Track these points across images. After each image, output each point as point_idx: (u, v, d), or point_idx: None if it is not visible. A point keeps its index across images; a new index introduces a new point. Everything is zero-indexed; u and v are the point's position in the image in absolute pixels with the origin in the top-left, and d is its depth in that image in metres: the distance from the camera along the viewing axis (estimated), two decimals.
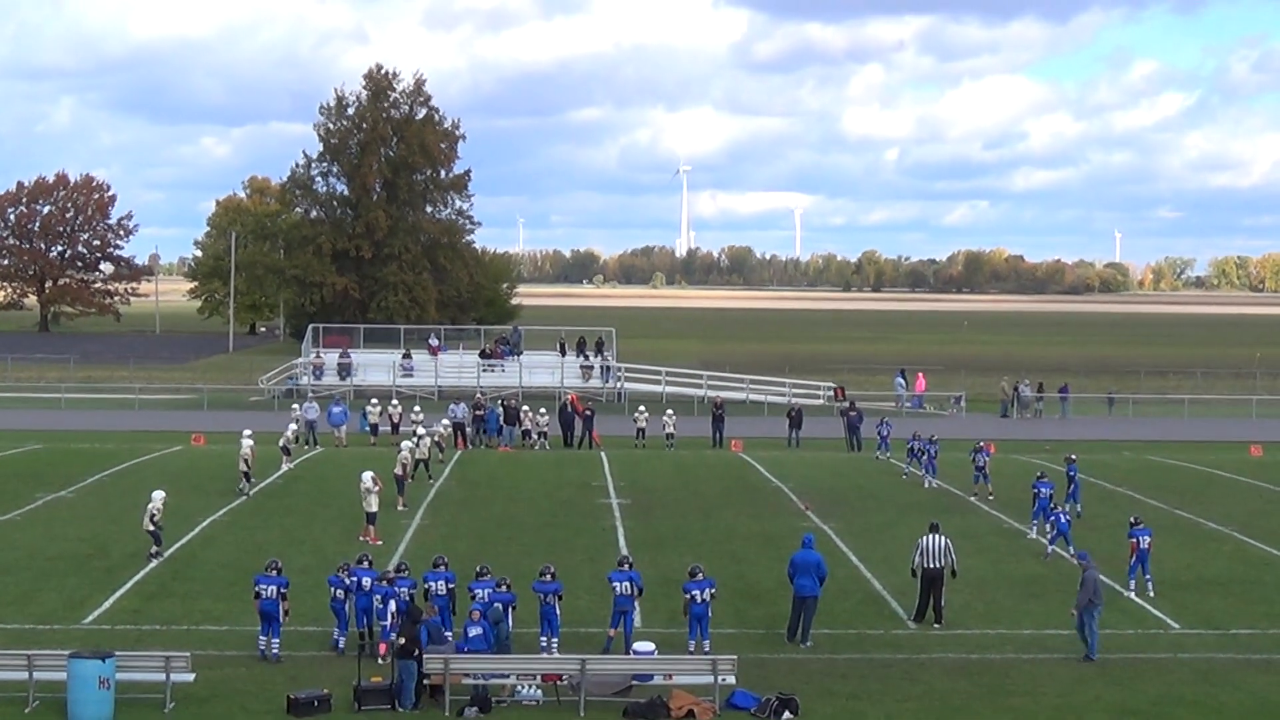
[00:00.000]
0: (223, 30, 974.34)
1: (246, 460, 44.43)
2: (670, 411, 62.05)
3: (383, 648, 25.02)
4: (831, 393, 78.78)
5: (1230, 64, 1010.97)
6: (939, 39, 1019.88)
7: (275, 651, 25.99)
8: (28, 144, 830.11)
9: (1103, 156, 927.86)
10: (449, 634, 25.74)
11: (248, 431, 46.03)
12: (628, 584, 26.75)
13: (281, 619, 26.06)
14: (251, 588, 26.78)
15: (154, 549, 33.90)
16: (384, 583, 26.34)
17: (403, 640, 23.80)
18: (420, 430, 50.14)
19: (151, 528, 33.83)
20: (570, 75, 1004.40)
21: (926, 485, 48.23)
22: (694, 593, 26.67)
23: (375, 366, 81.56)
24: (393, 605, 25.72)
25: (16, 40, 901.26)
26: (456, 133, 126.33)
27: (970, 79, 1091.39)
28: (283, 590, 26.07)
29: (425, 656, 23.61)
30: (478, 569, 27.23)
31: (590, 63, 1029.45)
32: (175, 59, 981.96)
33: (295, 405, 48.31)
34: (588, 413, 60.73)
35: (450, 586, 26.90)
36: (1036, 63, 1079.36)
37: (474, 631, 24.79)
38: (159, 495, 34.46)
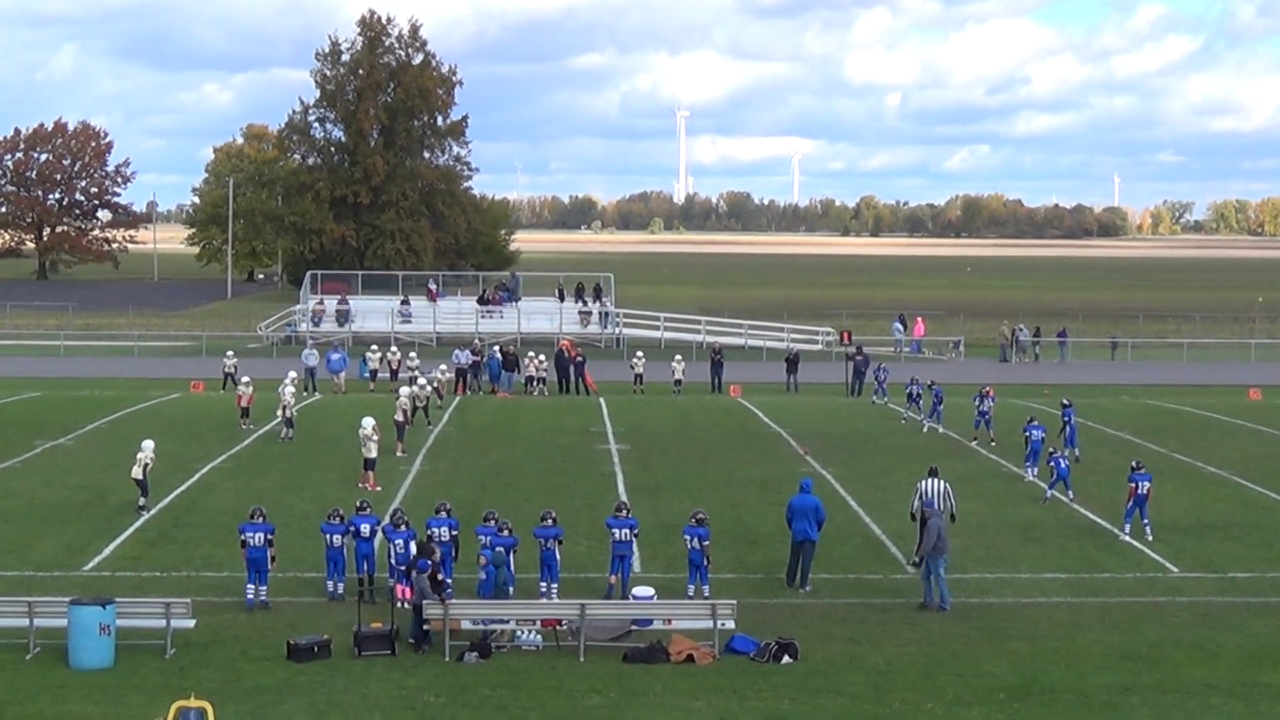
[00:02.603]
0: None
1: (287, 406, 44.56)
2: (679, 357, 61.89)
3: (404, 591, 24.68)
4: (837, 337, 78.38)
5: (1236, 7, 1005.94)
6: None
7: (263, 599, 25.96)
8: (28, 91, 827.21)
9: (1105, 101, 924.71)
10: (449, 580, 25.77)
11: (291, 374, 48.20)
12: (625, 530, 26.79)
13: (270, 566, 26.06)
14: (237, 536, 26.71)
15: (142, 500, 33.66)
16: (404, 526, 26.28)
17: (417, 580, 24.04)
18: (420, 378, 50.13)
19: (141, 476, 33.54)
20: (575, 21, 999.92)
21: (925, 429, 48.24)
22: (686, 537, 26.77)
23: (374, 313, 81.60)
24: (409, 545, 25.69)
25: None
26: (454, 78, 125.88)
27: (975, 23, 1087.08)
28: (270, 537, 26.03)
29: (425, 602, 23.66)
30: (485, 515, 27.31)
31: (596, 8, 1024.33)
32: (179, 5, 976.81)
33: (289, 375, 48.05)
34: (579, 359, 60.64)
35: (454, 533, 26.91)
36: (1042, 6, 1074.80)
37: (483, 577, 24.88)
38: (150, 445, 34.14)
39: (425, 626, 23.66)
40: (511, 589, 25.67)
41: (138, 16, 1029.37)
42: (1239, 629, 25.33)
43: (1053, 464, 35.84)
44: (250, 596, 25.95)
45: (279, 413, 46.15)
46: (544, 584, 26.40)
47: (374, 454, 37.14)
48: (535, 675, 22.42)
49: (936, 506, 27.97)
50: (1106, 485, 37.29)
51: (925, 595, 26.64)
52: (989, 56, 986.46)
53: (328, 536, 26.59)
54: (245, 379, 48.46)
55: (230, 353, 60.58)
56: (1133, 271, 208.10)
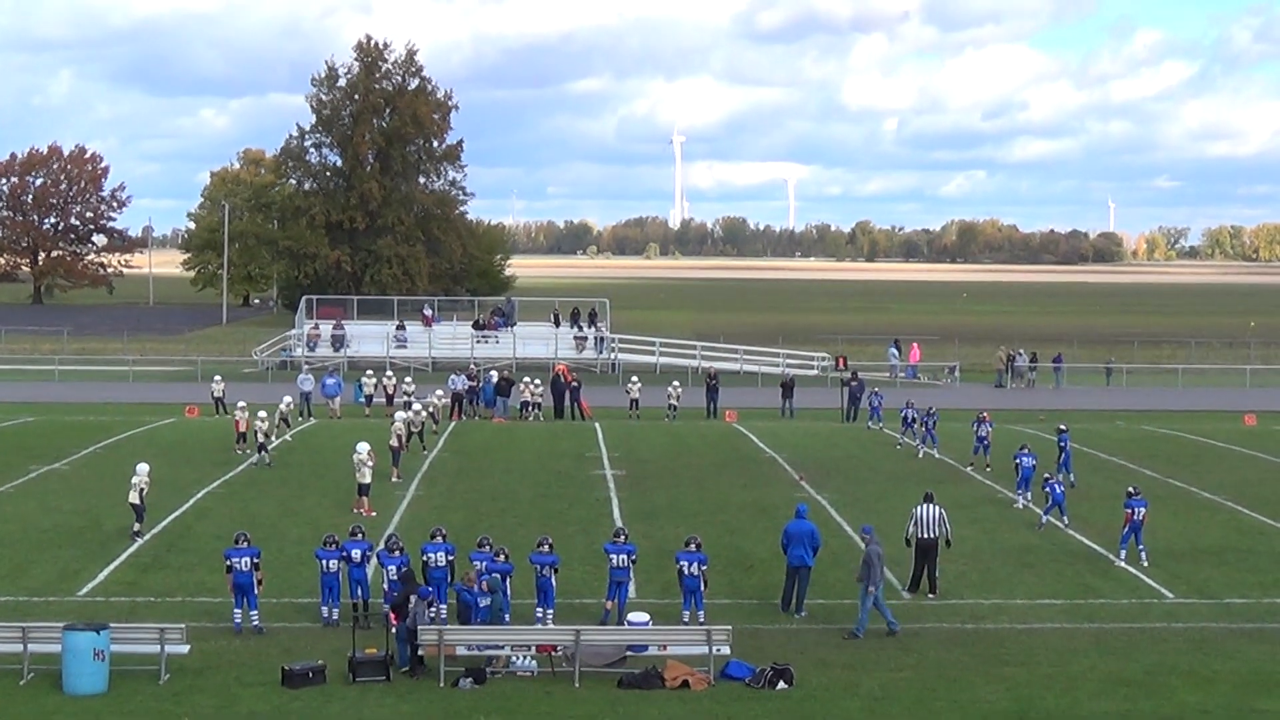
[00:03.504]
0: (226, 1, 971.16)
1: (259, 432, 44.55)
2: (676, 383, 61.93)
3: (395, 617, 24.89)
4: (833, 362, 78.25)
5: (1233, 33, 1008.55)
6: (943, 8, 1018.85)
7: (256, 623, 25.94)
8: (24, 116, 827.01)
9: (1102, 126, 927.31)
10: (443, 606, 25.73)
11: (287, 399, 50.58)
12: (624, 556, 26.75)
13: (257, 589, 26.03)
14: (222, 562, 26.63)
15: (136, 526, 33.55)
16: (397, 552, 26.25)
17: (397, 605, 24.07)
18: (415, 403, 50.15)
19: (137, 501, 33.48)
20: (572, 46, 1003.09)
21: (920, 455, 48.24)
22: (683, 564, 26.72)
23: (369, 338, 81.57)
24: (402, 571, 25.71)
25: (18, 12, 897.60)
26: (449, 103, 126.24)
27: (973, 48, 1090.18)
28: (255, 561, 26.00)
29: (420, 628, 23.64)
30: (479, 540, 27.29)
31: (593, 33, 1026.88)
32: (177, 30, 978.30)
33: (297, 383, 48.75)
34: (574, 384, 60.66)
35: (450, 558, 26.87)
36: (1040, 32, 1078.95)
37: (484, 602, 24.90)
38: (144, 468, 34.06)
39: (420, 653, 23.63)
40: (507, 615, 25.63)
41: (135, 41, 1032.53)
42: (1234, 655, 25.30)
43: (1048, 489, 35.81)
44: (238, 621, 25.92)
45: (272, 438, 46.47)
46: (540, 610, 26.36)
47: (368, 479, 37.09)
48: (530, 701, 22.38)
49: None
50: (1102, 511, 37.29)
51: (858, 624, 26.58)
52: (986, 82, 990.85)
53: (322, 562, 26.55)
54: (241, 403, 48.43)
55: (218, 377, 60.67)
56: (1128, 297, 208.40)
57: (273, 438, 46.93)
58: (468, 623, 24.55)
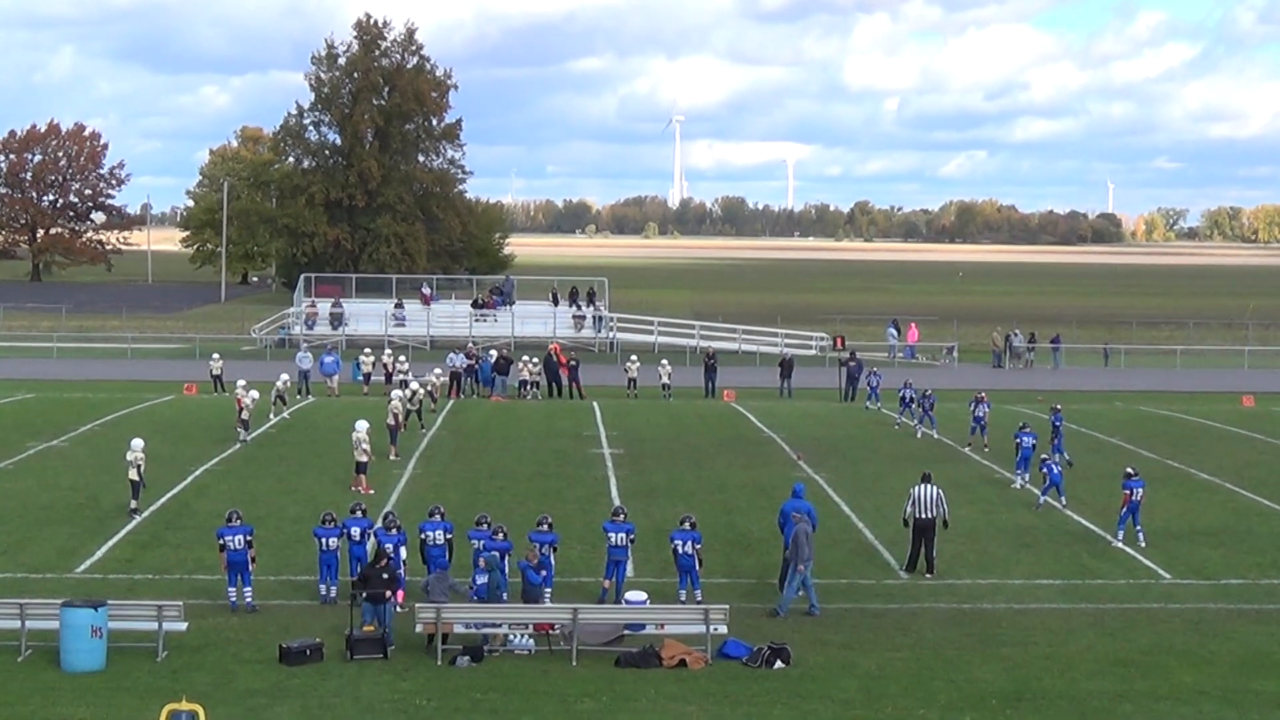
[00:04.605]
0: None
1: (246, 409, 44.49)
2: (665, 361, 62.00)
3: (400, 595, 25.06)
4: (831, 342, 78.21)
5: (1236, 14, 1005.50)
6: None
7: (250, 601, 25.97)
8: (25, 93, 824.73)
9: (1103, 107, 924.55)
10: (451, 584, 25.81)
11: (285, 377, 49.81)
12: (622, 535, 26.77)
13: (250, 566, 26.05)
14: (216, 541, 26.61)
15: (134, 503, 33.54)
16: (395, 530, 26.27)
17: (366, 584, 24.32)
18: (413, 383, 50.13)
19: (136, 478, 33.45)
20: (575, 24, 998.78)
21: (918, 435, 48.27)
22: (677, 543, 26.74)
23: (367, 316, 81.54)
24: (403, 551, 25.77)
25: None
26: (449, 82, 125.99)
27: (975, 28, 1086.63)
28: (249, 538, 26.02)
29: (417, 605, 23.70)
30: (477, 518, 27.31)
31: (595, 12, 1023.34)
32: (178, 8, 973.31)
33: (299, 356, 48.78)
34: (573, 362, 60.59)
35: (448, 537, 26.89)
36: (1043, 12, 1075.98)
37: (481, 580, 24.93)
38: (139, 444, 33.90)
39: (419, 629, 23.67)
40: (504, 593, 25.66)
41: (137, 19, 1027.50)
42: (1231, 636, 25.35)
43: (1045, 470, 35.83)
44: (234, 599, 25.96)
45: (270, 415, 46.50)
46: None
47: (367, 458, 37.08)
48: (527, 679, 22.42)
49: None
50: (1099, 491, 37.32)
51: (780, 605, 26.50)
52: (988, 62, 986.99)
53: (321, 540, 26.57)
54: (243, 382, 48.35)
55: (216, 355, 60.72)
56: (1126, 278, 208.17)
57: (269, 416, 46.95)
58: (535, 600, 24.69)
